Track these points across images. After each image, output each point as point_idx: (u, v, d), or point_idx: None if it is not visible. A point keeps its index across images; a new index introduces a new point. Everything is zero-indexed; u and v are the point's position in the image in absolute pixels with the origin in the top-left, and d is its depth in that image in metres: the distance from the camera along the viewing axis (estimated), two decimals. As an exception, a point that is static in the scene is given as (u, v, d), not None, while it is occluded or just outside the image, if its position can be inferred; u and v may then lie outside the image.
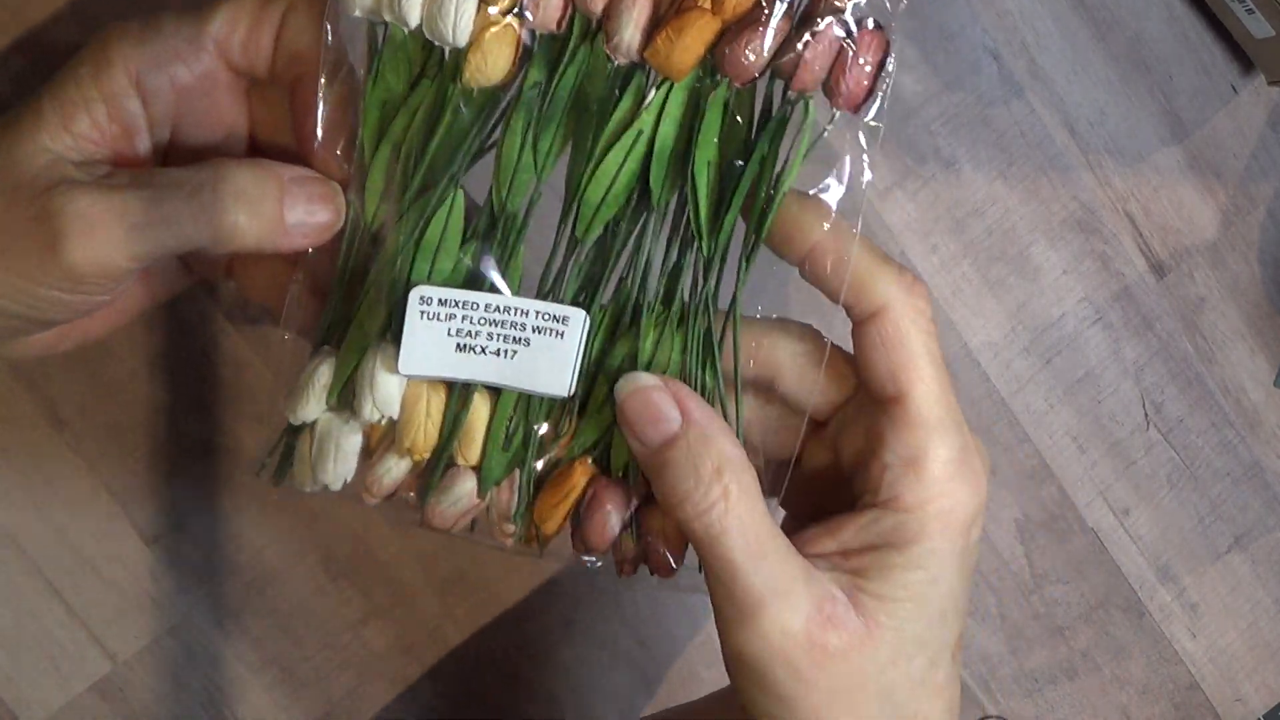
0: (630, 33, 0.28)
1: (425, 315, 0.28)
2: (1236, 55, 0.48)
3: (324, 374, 0.30)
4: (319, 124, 0.29)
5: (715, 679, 0.46)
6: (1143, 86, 0.48)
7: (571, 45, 0.28)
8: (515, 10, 0.28)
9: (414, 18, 0.28)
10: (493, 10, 0.28)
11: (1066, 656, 0.49)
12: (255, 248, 0.29)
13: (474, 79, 0.28)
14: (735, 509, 0.27)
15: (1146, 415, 0.49)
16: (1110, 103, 0.48)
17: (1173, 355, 0.49)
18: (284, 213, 0.29)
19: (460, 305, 0.29)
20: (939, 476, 0.29)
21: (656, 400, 0.29)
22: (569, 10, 0.28)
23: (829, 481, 0.31)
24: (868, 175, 0.29)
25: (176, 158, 0.32)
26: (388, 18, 0.28)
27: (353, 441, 0.30)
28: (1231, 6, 0.46)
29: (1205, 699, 0.50)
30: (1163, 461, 0.49)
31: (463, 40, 0.28)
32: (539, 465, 0.31)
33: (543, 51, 0.29)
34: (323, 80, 0.29)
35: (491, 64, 0.28)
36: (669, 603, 0.46)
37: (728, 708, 0.34)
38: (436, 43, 0.28)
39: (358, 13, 0.28)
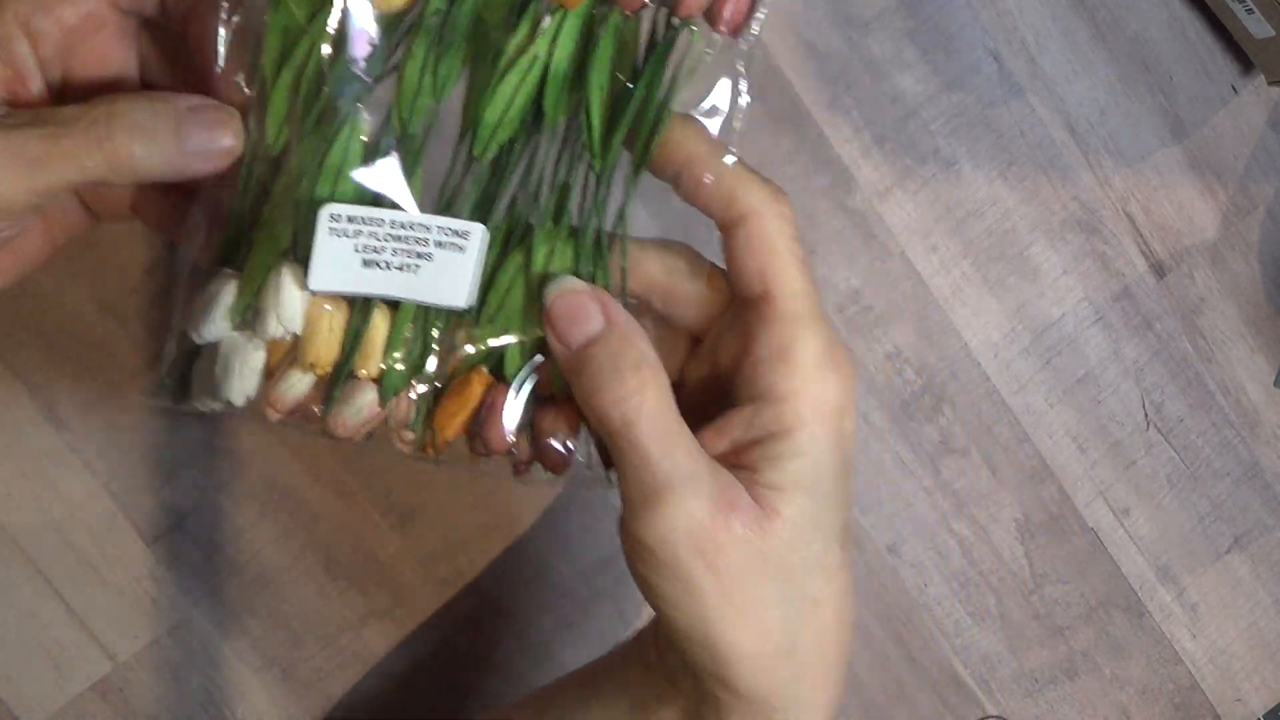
0: None
1: (335, 232, 0.30)
2: (1236, 55, 0.48)
3: (228, 294, 0.31)
4: (220, 52, 0.30)
5: (715, 679, 0.46)
6: (1143, 86, 0.48)
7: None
8: None
9: None
10: None
11: (1066, 656, 0.49)
12: (157, 176, 0.29)
13: (376, 4, 0.29)
14: (651, 399, 0.29)
15: (1146, 415, 0.49)
16: (1110, 103, 0.48)
17: (1173, 355, 0.49)
18: (181, 141, 0.29)
19: (367, 222, 0.30)
20: (808, 365, 0.30)
21: (584, 302, 0.31)
22: None
23: (709, 397, 0.32)
24: (745, 99, 0.31)
25: (70, 98, 0.32)
26: None
27: (257, 358, 0.31)
28: (1231, 6, 0.46)
29: (1205, 699, 0.50)
30: (1163, 461, 0.49)
31: None
32: (437, 376, 0.32)
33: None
34: (225, 6, 0.30)
35: None
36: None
37: (625, 660, 0.35)
38: None
39: None
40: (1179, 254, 0.49)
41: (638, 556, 0.29)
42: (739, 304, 0.32)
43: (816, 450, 0.30)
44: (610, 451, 0.30)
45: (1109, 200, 0.48)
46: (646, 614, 0.46)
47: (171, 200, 0.33)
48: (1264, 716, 0.51)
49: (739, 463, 0.30)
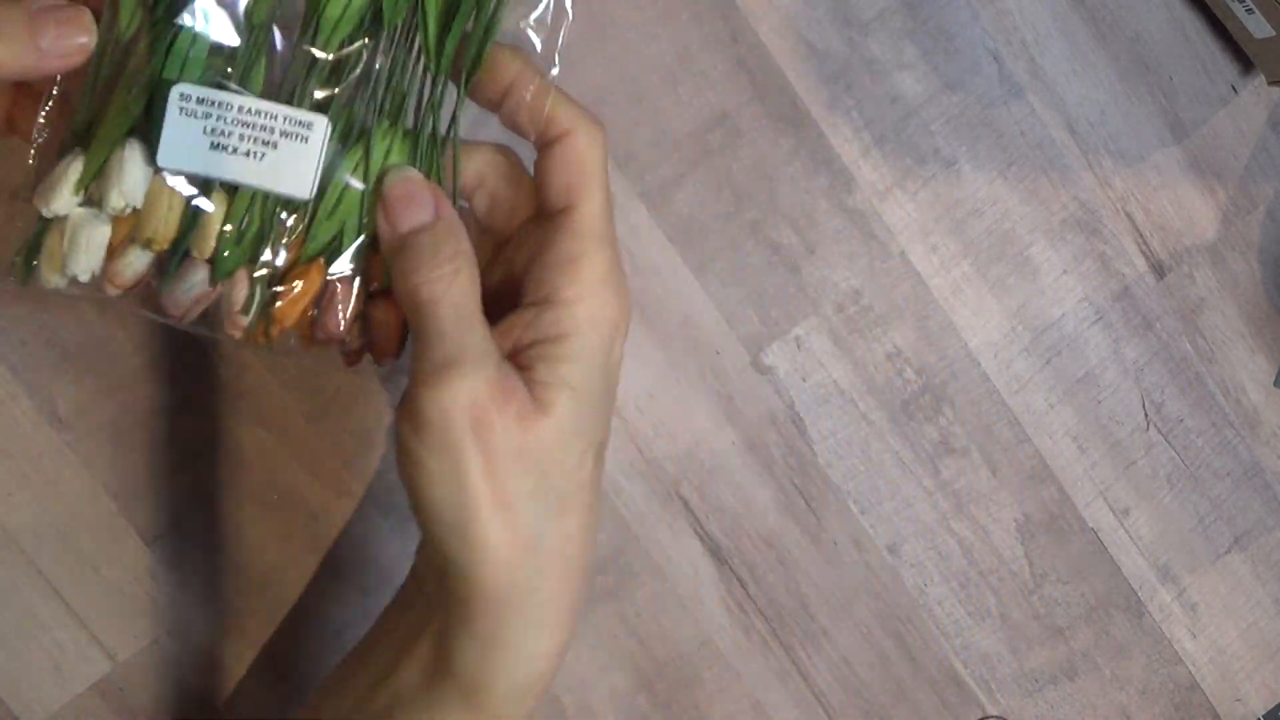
0: None
1: (185, 112, 0.31)
2: (1236, 55, 0.48)
3: (75, 170, 0.32)
4: None
5: (716, 679, 0.46)
6: (1143, 86, 0.48)
7: None
8: None
9: None
10: None
11: (1066, 656, 0.49)
12: (18, 75, 0.31)
13: None
14: (460, 284, 0.31)
15: (1146, 415, 0.49)
16: (1110, 103, 0.48)
17: (1173, 355, 0.49)
18: (36, 39, 0.30)
19: (216, 105, 0.31)
20: (592, 278, 0.32)
21: (418, 191, 0.33)
22: None
23: (501, 300, 0.34)
24: (569, 17, 0.34)
25: None
26: None
27: (101, 233, 0.32)
28: (1231, 6, 0.46)
29: (1205, 699, 0.50)
30: (1163, 461, 0.49)
31: None
32: (278, 263, 0.33)
33: None
34: None
35: None
36: (669, 604, 0.46)
37: (403, 610, 0.36)
38: None
39: None
40: (1179, 254, 0.49)
41: (415, 429, 0.30)
42: (541, 216, 0.34)
43: (588, 359, 0.32)
44: (411, 328, 0.32)
45: (1109, 200, 0.48)
46: (648, 615, 0.46)
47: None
48: (1264, 716, 0.51)
49: (518, 362, 0.32)
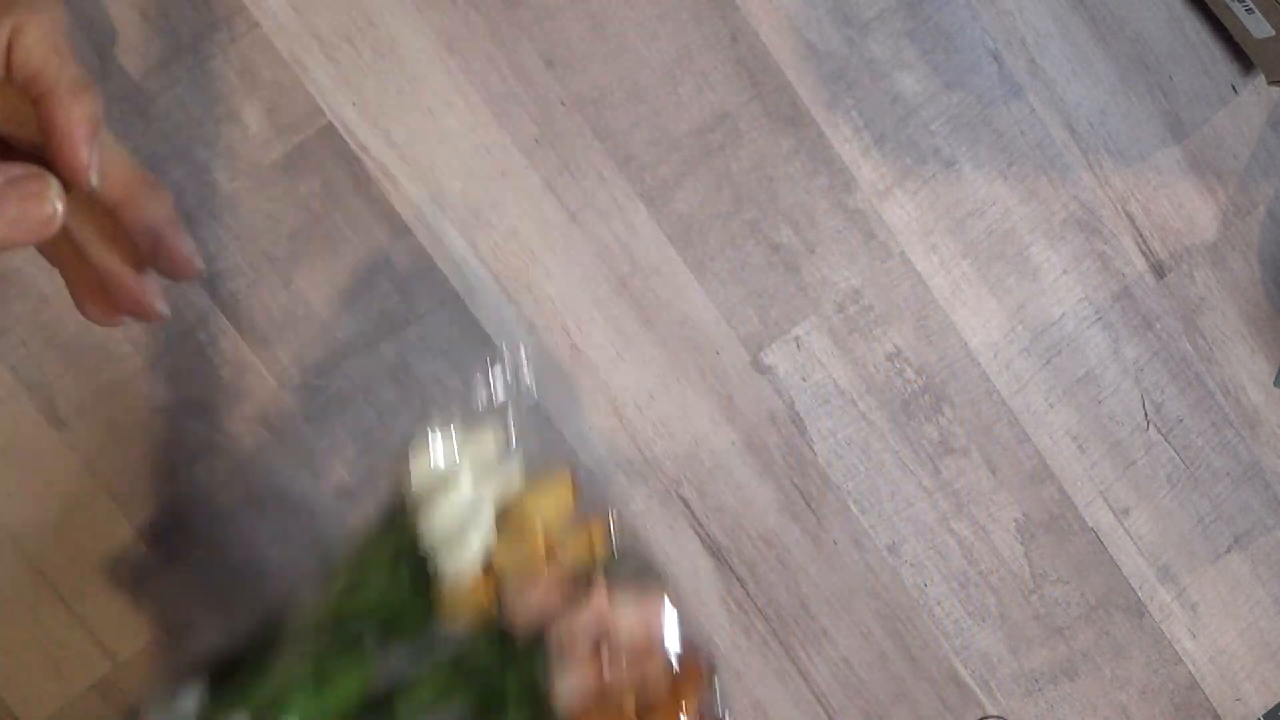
0: (563, 703, 0.32)
1: None
2: (1236, 55, 0.48)
3: (190, 700, 0.33)
4: (93, 163, 0.31)
5: (715, 679, 0.47)
6: (1143, 86, 0.48)
7: (519, 668, 0.32)
8: (502, 595, 0.32)
9: (436, 532, 0.32)
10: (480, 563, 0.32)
11: (1066, 656, 0.49)
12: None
13: (446, 615, 0.32)
14: None
15: (1146, 415, 0.49)
16: (1110, 103, 0.48)
17: (1173, 355, 0.49)
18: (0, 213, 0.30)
19: None
20: None
21: None
22: (533, 629, 0.32)
23: None
24: None
25: None
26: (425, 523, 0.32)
27: None
28: (1231, 6, 0.46)
29: (1205, 699, 0.50)
30: (1163, 461, 0.49)
31: (455, 577, 0.32)
32: None
33: (496, 643, 0.32)
34: None
35: (462, 616, 0.32)
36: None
37: None
38: (435, 566, 0.32)
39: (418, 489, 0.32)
40: (1179, 254, 0.49)
41: None
42: None
43: None
44: None
45: (1109, 200, 0.48)
46: (646, 614, 0.46)
47: (74, 247, 0.34)
48: (1264, 716, 0.51)
49: None
